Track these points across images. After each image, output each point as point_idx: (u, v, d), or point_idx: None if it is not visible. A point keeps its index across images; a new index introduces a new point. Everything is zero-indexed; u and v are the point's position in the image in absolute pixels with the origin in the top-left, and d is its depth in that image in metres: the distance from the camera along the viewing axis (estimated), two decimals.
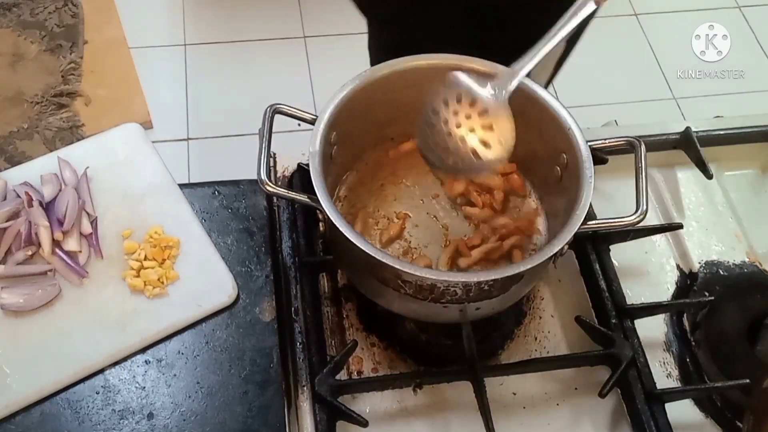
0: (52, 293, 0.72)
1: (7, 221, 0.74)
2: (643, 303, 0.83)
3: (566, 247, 0.69)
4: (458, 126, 0.68)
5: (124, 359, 0.71)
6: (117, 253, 0.76)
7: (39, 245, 0.74)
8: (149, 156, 0.83)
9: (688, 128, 0.95)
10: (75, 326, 0.71)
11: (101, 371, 0.70)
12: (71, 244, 0.74)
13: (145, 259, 0.75)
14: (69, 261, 0.74)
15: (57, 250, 0.74)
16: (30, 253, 0.74)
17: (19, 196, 0.77)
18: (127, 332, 0.71)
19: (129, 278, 0.74)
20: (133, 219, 0.78)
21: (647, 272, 0.89)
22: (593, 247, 0.85)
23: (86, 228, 0.76)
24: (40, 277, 0.73)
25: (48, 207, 0.76)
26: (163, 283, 0.74)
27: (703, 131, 0.96)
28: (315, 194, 0.68)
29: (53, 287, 0.72)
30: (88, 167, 0.80)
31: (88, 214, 0.77)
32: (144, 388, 0.70)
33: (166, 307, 0.73)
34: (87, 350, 0.70)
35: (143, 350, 0.71)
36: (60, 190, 0.78)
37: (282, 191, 0.71)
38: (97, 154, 0.82)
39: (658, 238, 0.92)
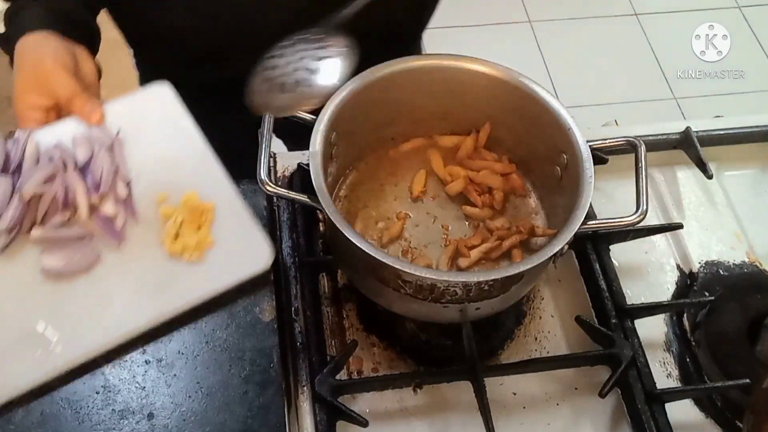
0: (91, 257, 0.71)
1: (44, 184, 0.72)
2: (643, 303, 0.83)
3: (566, 247, 0.69)
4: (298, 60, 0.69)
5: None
6: (153, 217, 0.75)
7: (76, 209, 0.73)
8: (181, 118, 0.81)
9: (688, 128, 0.95)
10: (116, 291, 0.70)
11: (101, 371, 0.70)
12: (108, 208, 0.73)
13: (182, 224, 0.74)
14: (107, 225, 0.72)
15: (94, 215, 0.73)
16: (67, 217, 0.73)
17: (52, 159, 0.75)
18: (168, 296, 0.70)
19: (167, 243, 0.73)
20: (167, 183, 0.76)
21: (647, 272, 0.89)
22: (593, 247, 0.85)
23: (122, 192, 0.74)
24: (78, 241, 0.72)
25: (82, 170, 0.75)
26: (201, 248, 0.73)
27: (703, 131, 0.96)
28: (315, 194, 0.68)
29: (92, 252, 0.71)
30: (119, 129, 0.78)
31: (123, 178, 0.75)
32: (144, 388, 0.70)
33: (205, 272, 0.72)
34: (130, 314, 0.69)
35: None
36: (93, 153, 0.76)
37: (282, 191, 0.71)
38: (127, 116, 0.80)
39: (658, 238, 0.92)
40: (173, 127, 0.80)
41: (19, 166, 0.74)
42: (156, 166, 0.78)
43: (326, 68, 0.68)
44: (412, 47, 1.08)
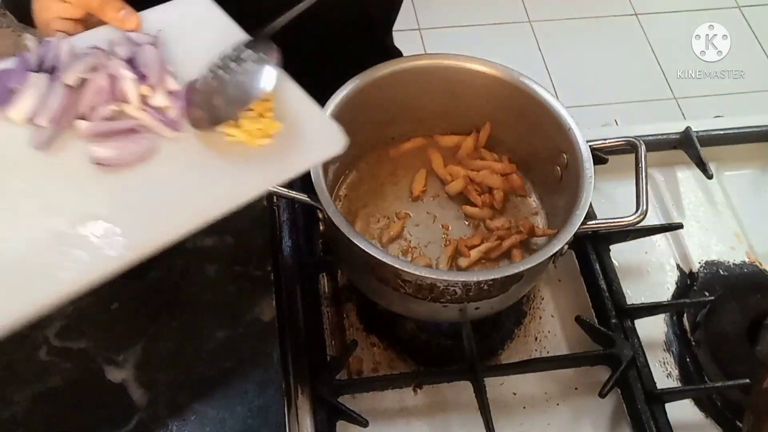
0: (146, 146, 0.64)
1: (87, 74, 0.65)
2: (643, 303, 0.83)
3: (566, 247, 0.69)
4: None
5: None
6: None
7: (124, 101, 0.66)
8: (219, 18, 0.75)
9: (688, 128, 0.95)
10: (179, 182, 0.64)
11: (101, 371, 0.70)
12: (159, 99, 0.66)
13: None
14: (160, 115, 0.66)
15: (145, 107, 0.66)
16: (116, 109, 0.66)
17: (93, 53, 0.67)
18: (243, 174, 0.64)
19: (229, 130, 0.66)
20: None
21: (647, 272, 0.89)
22: (593, 247, 0.85)
23: (172, 84, 0.68)
24: (131, 133, 0.65)
25: (128, 64, 0.67)
26: (267, 133, 0.67)
27: (703, 131, 0.96)
28: (315, 194, 0.68)
29: (147, 141, 0.65)
30: (160, 30, 0.72)
31: (170, 71, 0.69)
32: (144, 387, 0.70)
33: (277, 155, 0.66)
34: (201, 198, 0.63)
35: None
36: (136, 50, 0.69)
37: (282, 191, 0.71)
38: (165, 23, 0.73)
39: (658, 238, 0.92)
40: (213, 26, 0.74)
41: (54, 69, 0.66)
42: (201, 61, 0.70)
43: (258, 75, 0.67)
44: (386, 39, 1.07)
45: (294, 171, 0.66)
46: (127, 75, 0.66)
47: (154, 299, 0.73)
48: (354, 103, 0.76)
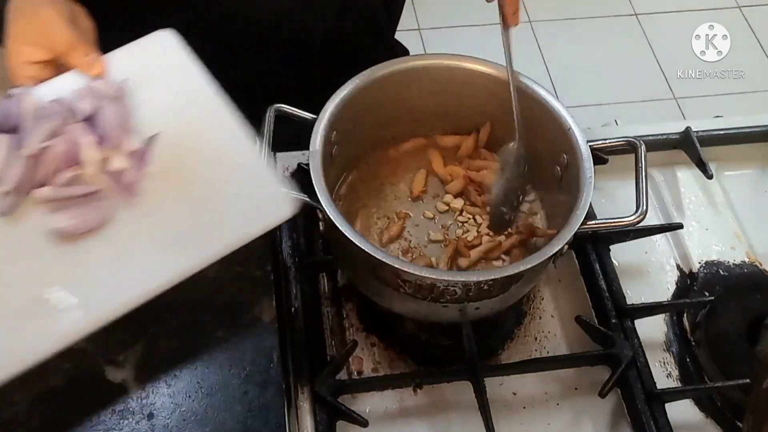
0: (103, 214, 0.66)
1: (46, 141, 0.67)
2: (643, 303, 0.83)
3: (566, 247, 0.69)
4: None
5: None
6: (165, 170, 0.69)
7: (83, 165, 0.68)
8: (188, 64, 0.75)
9: (688, 128, 0.95)
10: (134, 249, 0.65)
11: (101, 371, 0.70)
12: (117, 162, 0.68)
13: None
14: (117, 180, 0.68)
15: (103, 170, 0.68)
16: (75, 173, 0.67)
17: (54, 115, 0.69)
18: (190, 250, 0.66)
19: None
20: (178, 133, 0.71)
21: (647, 272, 0.89)
22: (593, 247, 0.85)
23: (131, 145, 0.69)
24: (90, 198, 0.67)
25: (87, 124, 0.69)
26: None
27: (703, 131, 0.96)
28: (315, 194, 0.68)
29: (104, 208, 0.66)
30: (126, 78, 0.73)
31: (131, 129, 0.70)
32: (144, 388, 0.70)
33: (224, 221, 0.67)
34: (151, 272, 0.64)
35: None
36: (98, 106, 0.70)
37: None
38: (131, 66, 0.74)
39: (658, 238, 0.92)
40: (181, 75, 0.75)
41: (16, 127, 0.68)
42: (166, 116, 0.72)
43: None
44: (390, 38, 1.07)
45: (243, 238, 0.67)
46: (85, 141, 0.68)
47: (154, 299, 0.73)
48: (354, 103, 0.76)
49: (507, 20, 0.76)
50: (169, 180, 0.69)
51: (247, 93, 0.74)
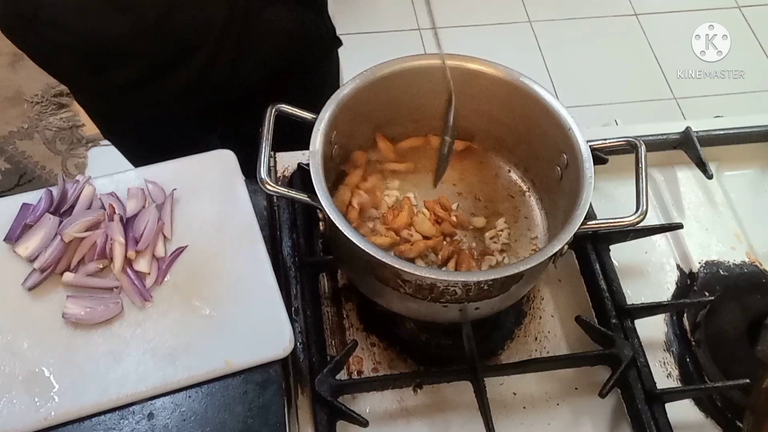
0: (114, 311, 0.71)
1: (86, 231, 0.74)
2: (643, 303, 0.83)
3: (566, 247, 0.69)
4: None
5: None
6: (184, 281, 0.74)
7: (111, 260, 0.74)
8: (238, 186, 0.81)
9: (688, 128, 0.95)
10: (129, 350, 0.70)
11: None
12: (142, 264, 0.74)
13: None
14: (137, 282, 0.73)
15: (127, 269, 0.74)
16: (101, 266, 0.74)
17: (103, 206, 0.77)
18: (176, 367, 0.69)
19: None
20: (206, 249, 0.76)
21: (647, 272, 0.89)
22: (593, 247, 0.85)
23: (160, 251, 0.75)
24: (106, 292, 0.73)
25: (127, 223, 0.76)
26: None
27: (703, 131, 0.96)
28: (315, 194, 0.68)
29: (116, 305, 0.71)
30: (175, 189, 0.79)
31: (164, 236, 0.76)
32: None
33: (221, 346, 0.71)
34: (134, 378, 0.68)
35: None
36: (143, 207, 0.77)
37: (282, 191, 0.71)
38: (186, 176, 0.81)
39: (658, 238, 0.92)
40: (228, 194, 0.80)
41: (71, 209, 0.76)
42: (202, 230, 0.77)
43: None
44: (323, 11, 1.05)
45: (236, 367, 0.70)
46: (118, 238, 0.74)
47: None
48: (354, 103, 0.76)
49: None
50: (181, 293, 0.74)
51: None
